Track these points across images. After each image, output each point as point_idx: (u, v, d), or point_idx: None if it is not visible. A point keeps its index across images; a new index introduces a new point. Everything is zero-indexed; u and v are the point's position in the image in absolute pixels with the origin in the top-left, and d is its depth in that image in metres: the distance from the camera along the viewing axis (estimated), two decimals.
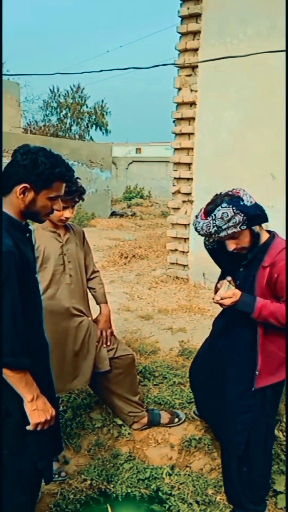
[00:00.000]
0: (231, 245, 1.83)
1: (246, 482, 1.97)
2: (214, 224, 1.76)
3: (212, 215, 1.76)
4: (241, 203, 1.76)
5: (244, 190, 1.82)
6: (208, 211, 1.78)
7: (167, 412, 2.68)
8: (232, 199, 1.77)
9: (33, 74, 13.45)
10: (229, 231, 1.76)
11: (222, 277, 2.08)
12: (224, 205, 1.74)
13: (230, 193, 1.81)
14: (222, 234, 1.78)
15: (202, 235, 1.85)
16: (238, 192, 1.80)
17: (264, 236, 1.87)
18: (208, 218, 1.78)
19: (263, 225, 1.87)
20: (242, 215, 1.72)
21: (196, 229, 1.84)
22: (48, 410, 1.50)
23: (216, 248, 1.98)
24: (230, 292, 1.85)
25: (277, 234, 1.91)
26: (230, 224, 1.74)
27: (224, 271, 2.09)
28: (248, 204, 1.76)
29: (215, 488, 2.17)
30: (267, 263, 1.79)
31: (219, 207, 1.74)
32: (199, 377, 2.26)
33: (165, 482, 2.21)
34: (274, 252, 1.79)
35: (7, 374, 1.40)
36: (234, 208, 1.72)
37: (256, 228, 1.82)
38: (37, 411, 1.47)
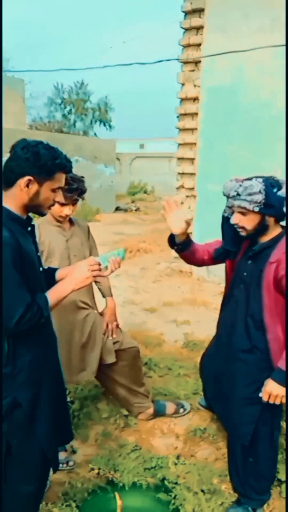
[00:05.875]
0: (235, 218, 1.83)
1: (251, 473, 1.98)
2: (237, 189, 1.76)
3: (242, 181, 1.77)
4: (274, 190, 1.74)
5: None
6: (246, 178, 1.79)
7: (173, 403, 2.71)
8: (271, 181, 1.76)
9: (37, 70, 13.46)
10: (243, 204, 1.75)
11: (223, 253, 2.08)
12: (259, 179, 1.74)
13: (277, 178, 1.80)
14: (237, 202, 1.77)
15: (223, 194, 1.85)
16: (284, 182, 1.79)
17: (276, 231, 1.85)
18: (239, 182, 1.79)
19: None
20: (263, 198, 1.71)
21: (223, 186, 1.85)
22: (83, 275, 1.57)
23: (228, 219, 1.95)
24: None
25: None
26: (248, 198, 1.73)
27: (223, 243, 2.09)
28: (278, 194, 1.74)
29: (220, 477, 2.19)
30: (273, 259, 1.78)
31: (254, 179, 1.75)
32: (209, 368, 2.27)
33: (170, 471, 2.22)
34: (282, 249, 1.78)
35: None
36: (263, 187, 1.72)
37: (269, 221, 1.81)
38: (80, 282, 1.56)
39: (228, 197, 1.84)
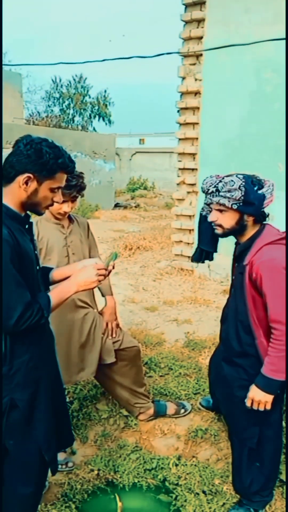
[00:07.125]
0: (212, 216, 1.81)
1: (255, 476, 1.95)
2: (216, 185, 1.73)
3: (223, 177, 1.74)
4: (254, 187, 1.71)
5: (273, 184, 1.77)
6: (226, 175, 1.76)
7: (173, 403, 2.68)
8: (253, 179, 1.73)
9: (36, 64, 13.30)
10: (221, 201, 1.72)
11: (196, 254, 2.07)
12: (240, 176, 1.71)
13: (259, 177, 1.78)
14: (215, 199, 1.74)
15: (202, 190, 1.83)
16: (267, 181, 1.77)
17: (253, 230, 1.82)
18: (219, 178, 1.76)
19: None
20: (243, 195, 1.68)
21: (203, 182, 1.82)
22: (88, 279, 1.56)
23: (206, 218, 1.93)
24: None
25: (268, 225, 1.84)
26: (228, 194, 1.70)
27: (199, 243, 2.08)
28: (259, 192, 1.71)
29: (222, 478, 2.17)
30: (247, 261, 1.76)
31: (235, 175, 1.72)
32: (216, 370, 2.25)
33: (171, 472, 2.21)
34: (255, 250, 1.75)
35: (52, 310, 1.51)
36: (243, 183, 1.68)
37: (248, 220, 1.78)
38: (85, 285, 1.56)
39: (206, 193, 1.80)
